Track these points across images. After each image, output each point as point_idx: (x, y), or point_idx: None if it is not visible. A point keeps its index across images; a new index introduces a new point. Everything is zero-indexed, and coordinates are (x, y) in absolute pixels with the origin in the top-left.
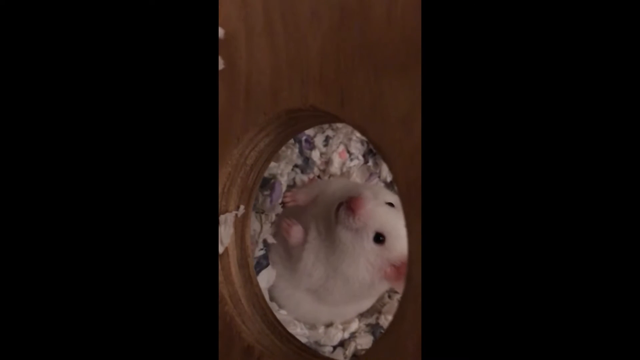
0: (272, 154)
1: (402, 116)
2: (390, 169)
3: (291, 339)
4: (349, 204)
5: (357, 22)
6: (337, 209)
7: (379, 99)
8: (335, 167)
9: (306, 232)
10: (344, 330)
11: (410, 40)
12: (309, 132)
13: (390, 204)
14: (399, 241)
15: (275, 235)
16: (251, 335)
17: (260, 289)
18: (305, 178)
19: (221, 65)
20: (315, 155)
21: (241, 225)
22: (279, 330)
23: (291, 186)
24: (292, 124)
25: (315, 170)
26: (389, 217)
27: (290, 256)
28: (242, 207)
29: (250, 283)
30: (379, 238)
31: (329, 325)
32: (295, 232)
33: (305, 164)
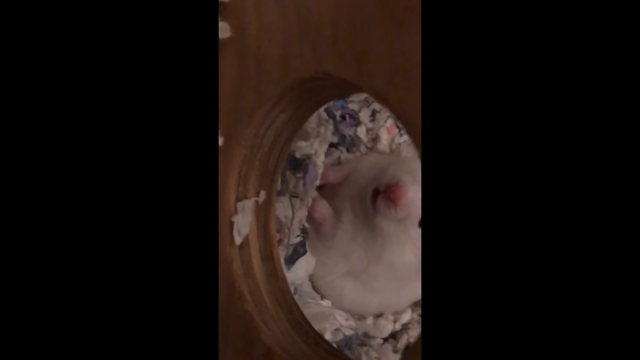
0: (293, 132)
1: None
2: (416, 143)
3: (319, 340)
4: (388, 195)
5: None
6: (373, 196)
7: (401, 59)
8: (383, 144)
9: (339, 212)
10: (395, 321)
11: None
12: (353, 106)
13: None
14: None
15: (307, 218)
16: (272, 337)
17: (286, 283)
18: (351, 157)
19: (227, 32)
20: (361, 131)
21: (264, 213)
22: (305, 330)
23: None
24: (310, 96)
25: (362, 148)
26: None
27: (322, 236)
28: (262, 192)
29: (275, 277)
30: None
31: (378, 315)
32: (320, 207)
33: (343, 142)
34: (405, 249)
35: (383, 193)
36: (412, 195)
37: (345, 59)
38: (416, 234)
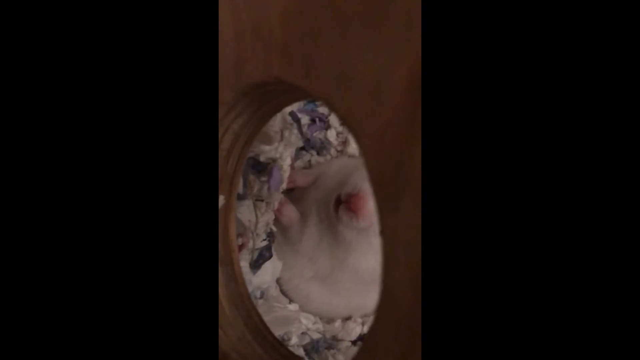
0: (252, 136)
1: (372, 85)
2: (360, 148)
3: (276, 344)
4: (349, 205)
5: None
6: (336, 204)
7: (345, 64)
8: (353, 147)
9: (306, 216)
10: (363, 324)
11: None
12: (323, 110)
13: None
14: None
15: (274, 221)
16: (228, 341)
17: (246, 288)
18: (322, 160)
19: None
20: (331, 134)
21: (224, 217)
22: (263, 335)
23: (306, 169)
24: (265, 101)
25: (332, 151)
26: None
27: (289, 240)
28: (221, 197)
29: (235, 282)
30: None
31: (347, 318)
32: (287, 211)
33: (308, 145)
34: (368, 256)
35: (344, 203)
36: (373, 205)
37: (294, 64)
38: (378, 242)
